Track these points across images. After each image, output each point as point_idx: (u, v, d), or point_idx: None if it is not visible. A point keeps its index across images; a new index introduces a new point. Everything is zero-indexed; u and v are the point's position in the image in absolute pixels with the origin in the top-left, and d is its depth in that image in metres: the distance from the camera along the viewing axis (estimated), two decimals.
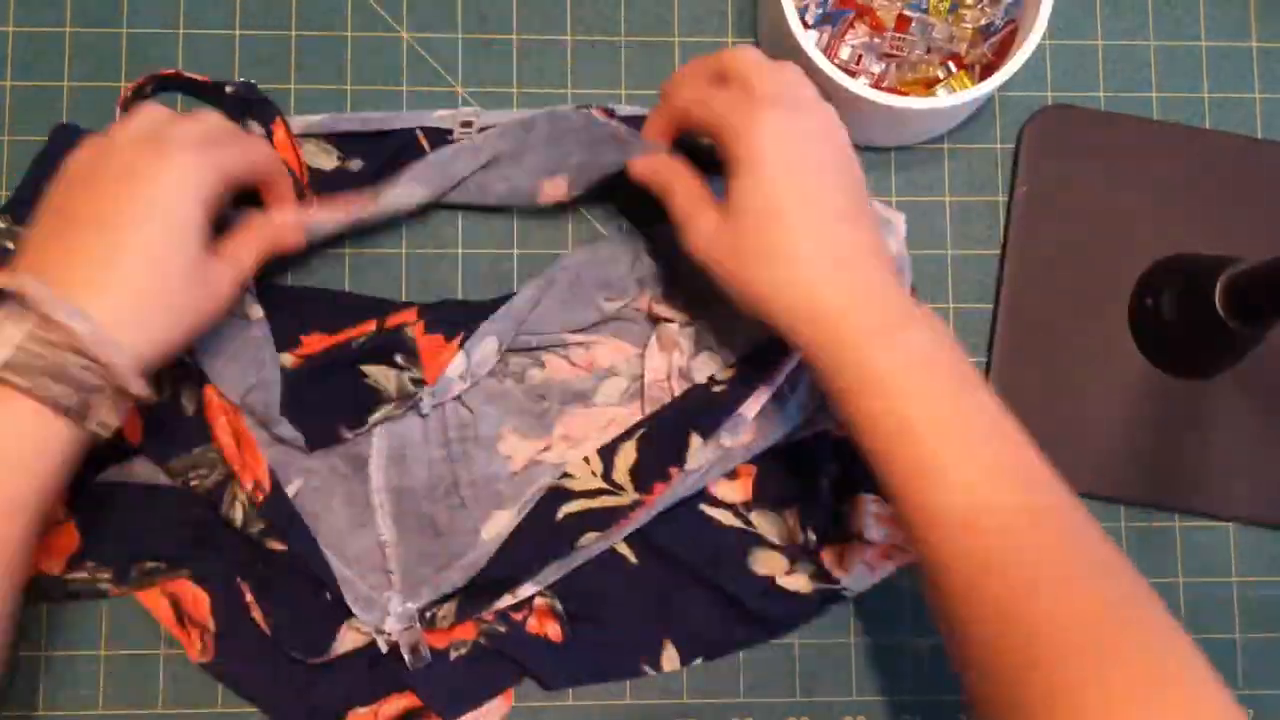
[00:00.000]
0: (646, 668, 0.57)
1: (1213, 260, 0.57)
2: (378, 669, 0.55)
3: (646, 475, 0.54)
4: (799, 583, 0.58)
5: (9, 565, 0.45)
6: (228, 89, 0.58)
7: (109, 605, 0.57)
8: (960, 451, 0.45)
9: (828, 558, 0.57)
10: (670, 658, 0.57)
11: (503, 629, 0.56)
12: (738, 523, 0.57)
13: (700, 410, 0.55)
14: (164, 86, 0.59)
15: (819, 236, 0.48)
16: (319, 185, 0.57)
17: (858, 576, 0.57)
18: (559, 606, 0.57)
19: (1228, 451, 0.60)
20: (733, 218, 0.48)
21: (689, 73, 0.53)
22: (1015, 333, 0.61)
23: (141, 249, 0.46)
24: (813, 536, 0.57)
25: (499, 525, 0.55)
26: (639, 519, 0.55)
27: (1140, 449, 0.60)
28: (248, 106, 0.57)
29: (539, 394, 0.57)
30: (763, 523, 0.58)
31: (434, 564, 0.55)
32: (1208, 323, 0.56)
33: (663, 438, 0.55)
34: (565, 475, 0.55)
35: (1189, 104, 0.63)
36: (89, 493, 0.54)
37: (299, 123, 0.58)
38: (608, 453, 0.55)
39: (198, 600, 0.55)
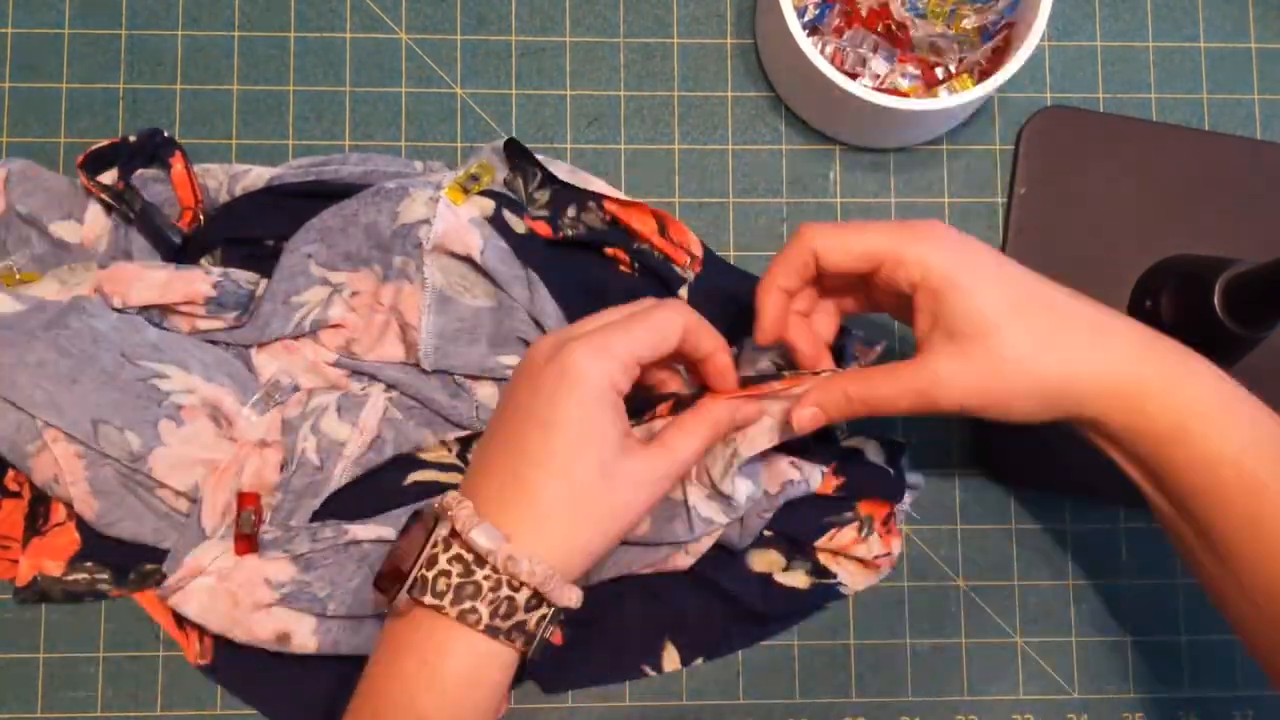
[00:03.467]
0: (647, 668, 0.57)
1: (1212, 262, 0.57)
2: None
3: None
4: (796, 579, 0.58)
5: None
6: (130, 138, 0.57)
7: (108, 607, 0.57)
8: None
9: (824, 555, 0.58)
10: (671, 658, 0.57)
11: None
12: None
13: None
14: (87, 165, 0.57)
15: (1066, 300, 0.46)
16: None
17: (853, 574, 0.58)
18: None
19: None
20: (981, 338, 0.45)
21: (790, 254, 0.49)
22: None
23: (550, 461, 0.45)
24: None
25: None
26: None
27: None
28: (154, 150, 0.57)
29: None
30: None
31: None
32: (1206, 324, 0.56)
33: None
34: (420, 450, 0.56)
35: (1188, 105, 0.64)
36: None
37: (270, 172, 0.58)
38: (469, 440, 0.57)
39: None
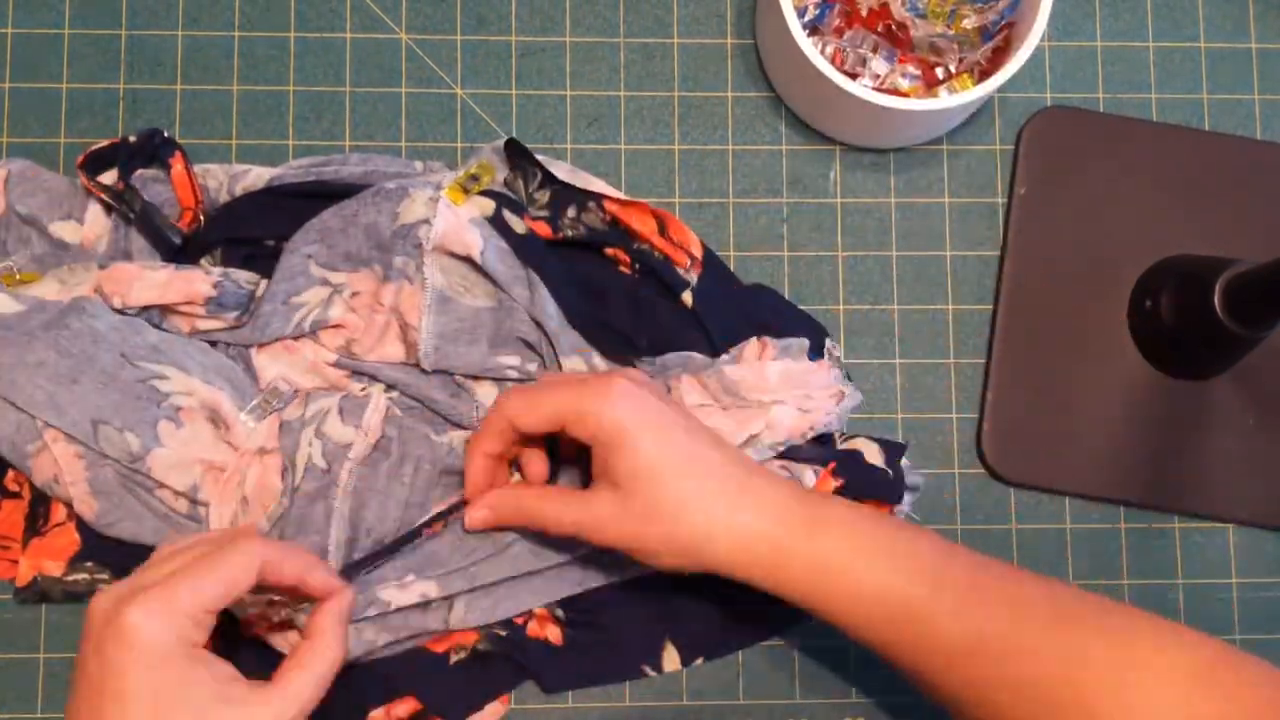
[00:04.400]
0: (647, 669, 0.57)
1: (1212, 261, 0.57)
2: (378, 673, 0.55)
3: None
4: None
5: None
6: (130, 139, 0.57)
7: None
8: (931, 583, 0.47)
9: None
10: (671, 658, 0.57)
11: (503, 632, 0.56)
12: None
13: None
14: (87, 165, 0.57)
15: (724, 463, 0.50)
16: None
17: None
18: (559, 611, 0.57)
19: (1227, 453, 0.60)
20: (634, 489, 0.49)
21: (490, 421, 0.52)
22: (1014, 334, 0.61)
23: None
24: None
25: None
26: None
27: (1139, 450, 0.60)
28: (154, 151, 0.57)
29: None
30: None
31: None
32: (1207, 324, 0.56)
33: None
34: None
35: (1188, 105, 0.63)
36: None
37: (269, 172, 0.58)
38: None
39: None
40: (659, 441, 0.49)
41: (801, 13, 0.59)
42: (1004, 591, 0.47)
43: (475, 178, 0.57)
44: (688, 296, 0.58)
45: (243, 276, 0.56)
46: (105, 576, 0.55)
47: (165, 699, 0.42)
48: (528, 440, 0.53)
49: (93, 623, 0.43)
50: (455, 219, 0.55)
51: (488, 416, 0.52)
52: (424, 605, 0.54)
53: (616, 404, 0.49)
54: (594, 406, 0.49)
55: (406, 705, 0.55)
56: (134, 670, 0.42)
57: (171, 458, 0.53)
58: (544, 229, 0.57)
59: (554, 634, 0.57)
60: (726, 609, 0.57)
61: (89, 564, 0.55)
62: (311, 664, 0.46)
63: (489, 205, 0.56)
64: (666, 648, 0.58)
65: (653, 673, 0.58)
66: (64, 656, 0.56)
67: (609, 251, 0.58)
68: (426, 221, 0.55)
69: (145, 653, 0.42)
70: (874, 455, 0.58)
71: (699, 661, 0.58)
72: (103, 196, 0.56)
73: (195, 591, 0.44)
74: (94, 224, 0.57)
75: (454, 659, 0.56)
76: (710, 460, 0.50)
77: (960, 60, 0.60)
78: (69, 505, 0.54)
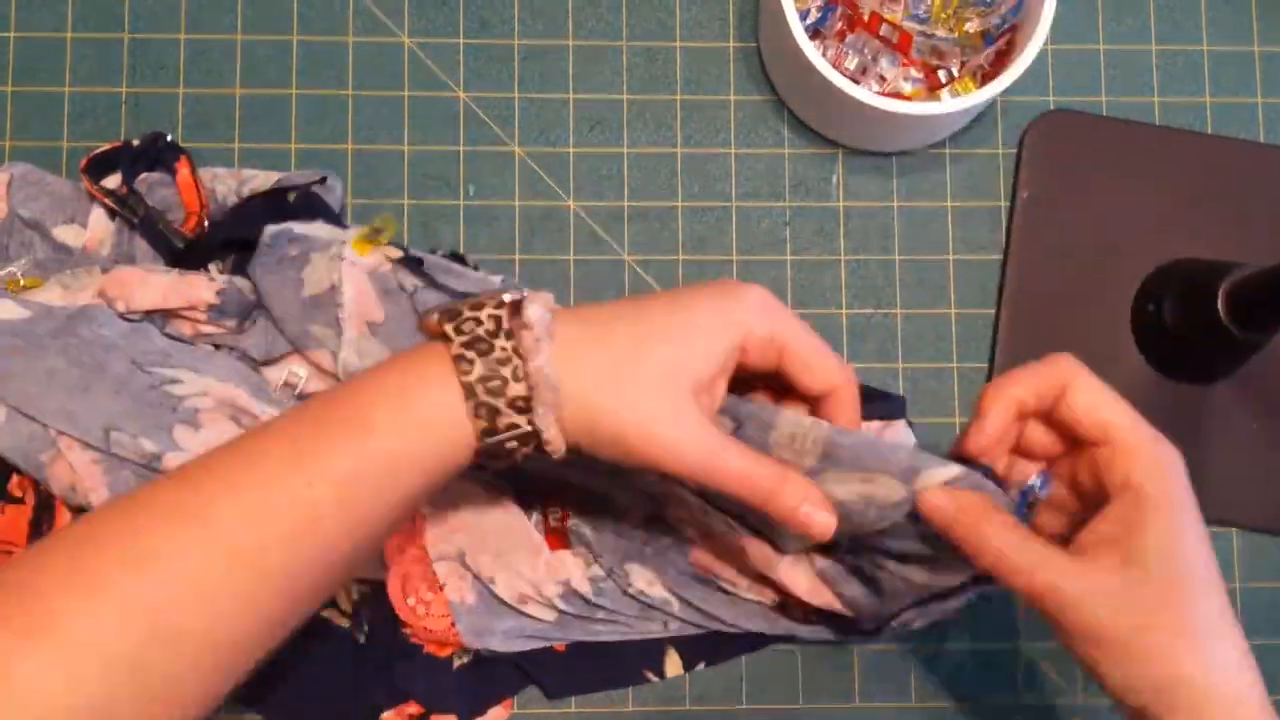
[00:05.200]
0: (650, 674, 0.57)
1: (1215, 265, 0.57)
2: (381, 677, 0.55)
3: None
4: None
5: (346, 535, 0.41)
6: (134, 142, 0.57)
7: None
8: None
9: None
10: (673, 663, 0.57)
11: None
12: None
13: None
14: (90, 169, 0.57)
15: (1228, 610, 0.41)
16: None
17: None
18: None
19: (1230, 457, 0.60)
20: (1161, 582, 0.39)
21: (1044, 372, 0.44)
22: (1017, 338, 0.61)
23: (642, 319, 0.42)
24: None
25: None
26: None
27: None
28: (157, 155, 0.57)
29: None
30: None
31: None
32: (1210, 328, 0.56)
33: None
34: None
35: (1191, 109, 0.63)
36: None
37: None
38: None
39: None
40: (1199, 542, 0.40)
41: (804, 16, 0.59)
42: None
43: (379, 230, 0.55)
44: None
45: (247, 285, 0.56)
46: None
47: (700, 341, 0.42)
48: (1035, 421, 0.45)
49: (717, 280, 0.46)
50: (361, 280, 0.54)
51: (1044, 366, 0.44)
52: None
53: (1175, 468, 0.40)
54: (1154, 452, 0.41)
55: (415, 707, 0.55)
56: (711, 311, 0.42)
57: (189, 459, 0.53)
58: None
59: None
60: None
61: None
62: (761, 468, 0.43)
63: (395, 252, 0.55)
64: (669, 653, 0.57)
65: (655, 678, 0.57)
66: None
67: None
68: (335, 288, 0.53)
69: (733, 309, 0.43)
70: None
71: (701, 666, 0.58)
72: (106, 201, 0.56)
73: (791, 324, 0.44)
74: (97, 228, 0.57)
75: (457, 663, 0.56)
76: (1224, 596, 0.41)
77: (963, 64, 0.60)
78: (81, 512, 0.54)
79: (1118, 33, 0.64)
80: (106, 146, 0.57)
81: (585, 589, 0.54)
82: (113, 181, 0.57)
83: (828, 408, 0.46)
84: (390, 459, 0.41)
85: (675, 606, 0.55)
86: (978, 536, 0.42)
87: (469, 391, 0.41)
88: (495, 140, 0.61)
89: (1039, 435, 0.46)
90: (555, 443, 0.42)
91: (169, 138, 0.58)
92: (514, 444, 0.42)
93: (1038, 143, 0.62)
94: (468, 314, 0.41)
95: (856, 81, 0.58)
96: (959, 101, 0.56)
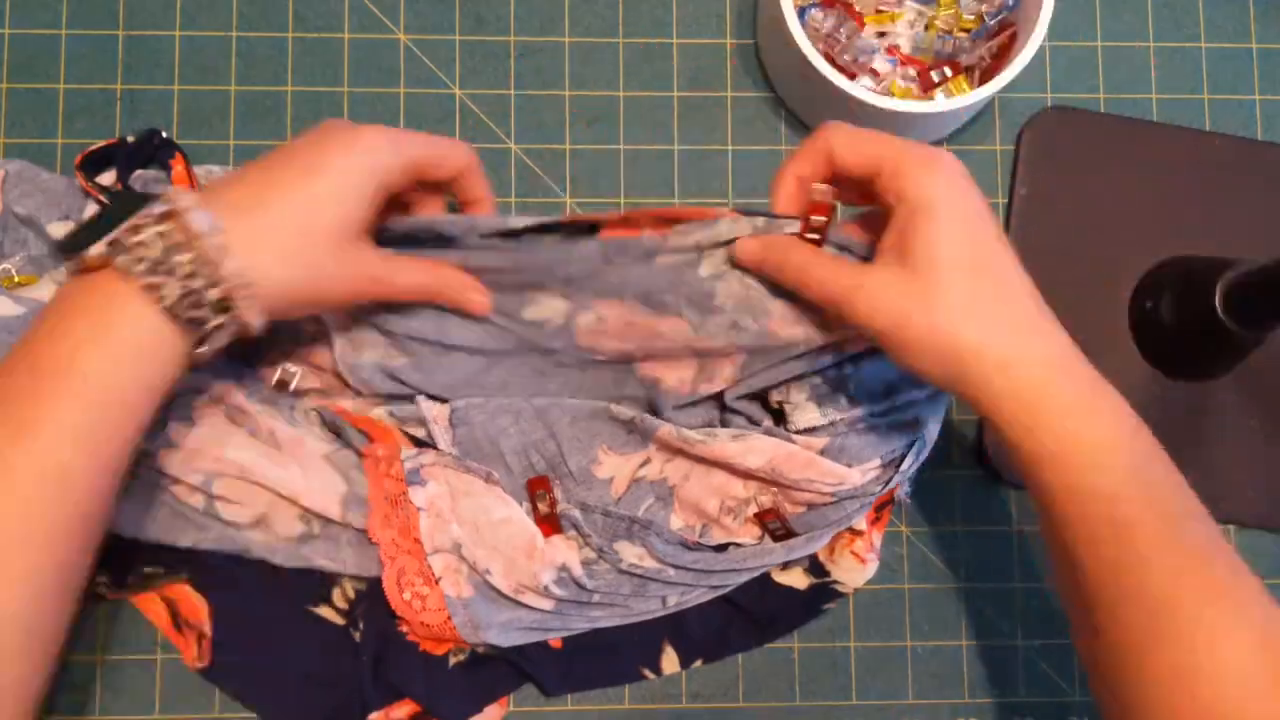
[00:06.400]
0: (646, 671, 0.57)
1: (1213, 262, 0.57)
2: (379, 676, 0.55)
3: None
4: (794, 578, 0.58)
5: (101, 480, 0.44)
6: (129, 139, 0.57)
7: (105, 609, 0.56)
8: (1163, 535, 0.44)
9: (821, 552, 0.58)
10: (670, 660, 0.57)
11: None
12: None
13: None
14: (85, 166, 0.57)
15: (1021, 289, 0.45)
16: None
17: (849, 569, 0.58)
18: None
19: (1229, 454, 0.60)
20: (925, 270, 0.44)
21: (810, 145, 0.49)
22: None
23: (299, 191, 0.46)
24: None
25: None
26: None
27: None
28: (152, 152, 0.57)
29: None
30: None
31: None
32: (1208, 325, 0.56)
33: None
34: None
35: (1189, 106, 0.63)
36: None
37: None
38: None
39: (196, 606, 0.55)
40: (969, 232, 0.45)
41: (801, 13, 0.59)
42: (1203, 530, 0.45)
43: None
44: None
45: None
46: (104, 579, 0.55)
47: (342, 189, 0.46)
48: (831, 179, 0.49)
49: (324, 126, 0.48)
50: None
51: (807, 141, 0.49)
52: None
53: (939, 175, 0.45)
54: (918, 168, 0.45)
55: (405, 708, 0.55)
56: (340, 157, 0.47)
57: (184, 455, 0.53)
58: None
59: (553, 637, 0.56)
60: (725, 610, 0.57)
61: None
62: (419, 270, 0.50)
63: None
64: (665, 650, 0.57)
65: (652, 675, 0.57)
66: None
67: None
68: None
69: (359, 154, 0.47)
70: None
71: (698, 664, 0.58)
72: (100, 197, 0.56)
73: (419, 144, 0.49)
74: None
75: (453, 661, 0.56)
76: (1010, 279, 0.45)
77: (957, 62, 0.60)
78: None
79: (1115, 30, 0.64)
80: (101, 143, 0.57)
81: (579, 572, 0.54)
82: (108, 178, 0.57)
83: (465, 189, 0.52)
84: (118, 394, 0.44)
85: (670, 573, 0.55)
86: (785, 261, 0.48)
87: (171, 313, 0.44)
88: (491, 137, 0.61)
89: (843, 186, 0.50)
90: (258, 323, 0.46)
91: (164, 134, 0.57)
92: (221, 336, 0.45)
93: (1036, 140, 0.62)
94: (133, 240, 0.43)
95: (852, 77, 0.58)
96: (958, 100, 0.56)
